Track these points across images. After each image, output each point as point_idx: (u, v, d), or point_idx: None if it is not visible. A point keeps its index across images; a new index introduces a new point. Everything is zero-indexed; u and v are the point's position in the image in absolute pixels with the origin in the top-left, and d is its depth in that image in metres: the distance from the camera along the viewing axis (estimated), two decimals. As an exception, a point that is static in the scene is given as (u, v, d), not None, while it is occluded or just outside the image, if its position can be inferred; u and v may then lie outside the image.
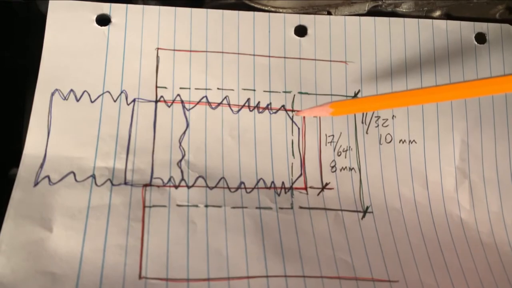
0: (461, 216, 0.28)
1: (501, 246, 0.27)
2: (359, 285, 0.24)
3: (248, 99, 0.27)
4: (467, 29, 0.30)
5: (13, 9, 0.30)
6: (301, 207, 0.26)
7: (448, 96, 0.21)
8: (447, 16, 0.31)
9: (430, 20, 0.30)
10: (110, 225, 0.23)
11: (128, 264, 0.22)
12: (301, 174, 0.27)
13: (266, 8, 0.29)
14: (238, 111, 0.27)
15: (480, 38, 0.30)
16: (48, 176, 0.24)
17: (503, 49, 0.30)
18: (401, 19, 0.30)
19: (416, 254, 0.26)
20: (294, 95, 0.28)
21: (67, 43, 0.26)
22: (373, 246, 0.26)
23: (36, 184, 0.24)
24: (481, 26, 0.30)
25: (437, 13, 0.31)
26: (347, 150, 0.28)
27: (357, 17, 0.29)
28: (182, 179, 0.25)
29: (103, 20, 0.27)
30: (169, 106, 0.26)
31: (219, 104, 0.27)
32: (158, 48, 0.27)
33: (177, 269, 0.22)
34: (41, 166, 0.24)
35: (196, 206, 0.25)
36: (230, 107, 0.27)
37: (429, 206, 0.28)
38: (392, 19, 0.30)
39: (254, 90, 0.27)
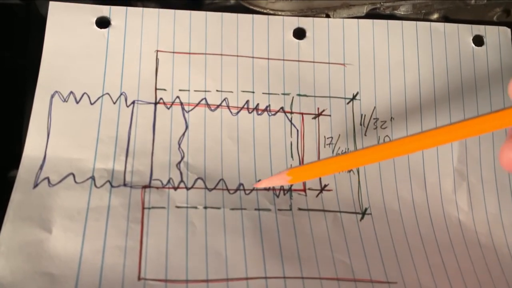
0: (459, 217, 0.28)
1: (499, 247, 0.27)
2: (357, 287, 0.24)
3: (247, 101, 0.27)
4: (465, 31, 0.30)
5: (13, 10, 0.30)
6: (300, 209, 0.26)
7: (416, 147, 0.20)
8: (445, 19, 0.31)
9: (428, 23, 0.30)
10: (109, 227, 0.23)
11: (127, 265, 0.22)
12: (299, 176, 0.27)
13: (265, 11, 0.29)
14: (237, 113, 0.27)
15: (478, 40, 0.30)
16: (47, 178, 0.24)
17: (501, 51, 0.31)
18: (399, 21, 0.30)
19: (414, 255, 0.26)
20: (293, 97, 0.28)
21: (67, 45, 0.26)
22: (371, 247, 0.26)
23: (35, 185, 0.24)
24: (479, 29, 0.31)
25: (435, 15, 0.31)
26: (345, 152, 0.28)
27: (356, 20, 0.29)
28: (181, 180, 0.25)
29: (103, 23, 0.27)
30: (168, 108, 0.27)
31: (218, 106, 0.27)
32: (157, 51, 0.27)
33: (176, 270, 0.23)
34: (41, 167, 0.24)
35: (195, 207, 0.25)
36: (229, 109, 0.27)
37: (427, 208, 0.28)
38: (390, 21, 0.30)
39: (253, 92, 0.28)
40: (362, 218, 0.27)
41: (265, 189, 0.26)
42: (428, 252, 0.26)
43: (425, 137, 0.19)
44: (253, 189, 0.26)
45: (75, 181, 0.24)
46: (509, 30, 0.31)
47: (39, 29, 0.27)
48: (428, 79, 0.29)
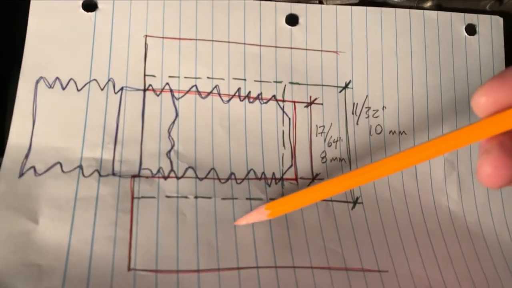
0: (449, 206, 0.28)
1: (488, 235, 0.28)
2: (349, 275, 0.24)
3: (239, 89, 0.27)
4: (458, 20, 0.30)
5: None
6: None
7: (395, 168, 0.20)
8: (438, 7, 0.31)
9: (421, 11, 0.30)
10: (98, 217, 0.23)
11: (116, 256, 0.22)
12: (291, 165, 0.27)
13: (257, -4, 0.28)
14: (229, 100, 0.27)
15: (470, 29, 0.30)
16: (33, 167, 0.23)
17: (493, 40, 0.31)
18: (393, 9, 0.29)
19: (405, 244, 0.26)
20: (285, 85, 0.27)
21: (52, 29, 0.25)
22: (363, 236, 0.26)
23: (21, 175, 0.23)
24: (471, 18, 0.30)
25: (428, 3, 0.31)
26: (337, 141, 0.28)
27: (349, 7, 0.29)
28: (172, 170, 0.25)
29: (89, 6, 0.26)
30: (157, 95, 0.26)
31: (209, 93, 0.27)
32: (146, 35, 0.26)
33: (167, 261, 0.22)
34: (26, 156, 0.23)
35: (186, 197, 0.24)
36: (220, 96, 0.27)
37: (418, 197, 0.28)
38: (384, 9, 0.29)
39: (245, 79, 0.27)
40: (353, 207, 0.26)
41: (256, 178, 0.26)
42: (419, 240, 0.26)
43: (405, 156, 0.20)
44: (245, 178, 0.26)
45: (63, 170, 0.24)
46: (501, 19, 0.31)
47: (24, 14, 0.26)
48: (420, 68, 0.29)
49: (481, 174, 0.17)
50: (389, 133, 0.28)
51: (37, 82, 0.25)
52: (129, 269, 0.22)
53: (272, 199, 0.25)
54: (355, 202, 0.27)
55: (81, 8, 0.26)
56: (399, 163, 0.20)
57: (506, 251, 0.27)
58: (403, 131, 0.28)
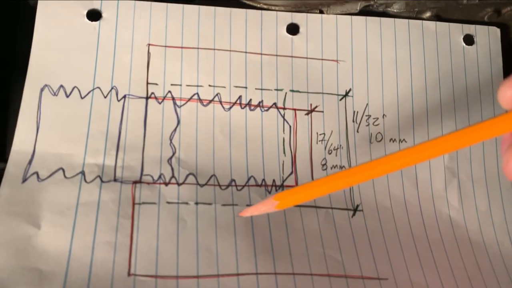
0: (450, 214, 0.28)
1: (489, 244, 0.28)
2: (348, 283, 0.24)
3: (240, 97, 0.27)
4: (456, 30, 0.31)
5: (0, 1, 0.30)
6: None
7: (411, 161, 0.19)
8: (437, 17, 0.31)
9: (420, 21, 0.30)
10: (99, 222, 0.23)
11: (117, 261, 0.22)
12: (292, 172, 0.27)
13: (258, 6, 0.29)
14: (230, 108, 0.27)
15: (469, 39, 0.31)
16: (36, 173, 0.24)
17: (490, 51, 0.31)
18: (392, 19, 0.30)
19: (405, 252, 0.26)
20: (286, 93, 0.28)
21: (57, 38, 0.26)
22: (363, 244, 0.26)
23: (24, 180, 0.23)
24: (470, 28, 0.31)
25: (427, 14, 0.31)
26: (338, 148, 0.28)
27: (349, 17, 0.29)
28: (173, 176, 0.25)
29: (94, 15, 0.27)
30: (160, 103, 0.26)
31: (210, 101, 0.27)
32: (149, 44, 0.27)
33: (167, 266, 0.22)
34: (30, 162, 0.24)
35: (186, 203, 0.24)
36: (221, 104, 0.27)
37: (418, 205, 0.28)
38: (383, 19, 0.30)
39: (246, 87, 0.27)
40: (353, 214, 0.27)
41: (256, 185, 0.26)
42: (419, 249, 0.26)
43: (418, 150, 0.19)
44: (245, 185, 0.26)
45: (65, 176, 0.24)
46: (498, 30, 0.31)
47: (28, 20, 0.26)
48: (419, 77, 0.30)
49: (509, 169, 0.16)
50: (390, 141, 0.29)
51: (42, 89, 0.25)
52: (129, 274, 0.22)
53: (272, 206, 0.25)
54: (355, 209, 0.27)
55: (85, 18, 0.26)
56: (422, 153, 0.19)
57: (508, 260, 0.27)
58: (403, 139, 0.29)
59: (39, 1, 0.26)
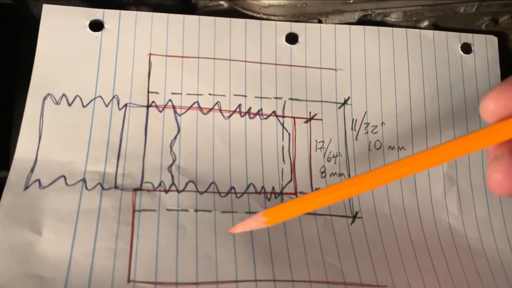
0: (449, 221, 0.28)
1: (489, 251, 0.28)
2: (348, 290, 0.24)
3: (239, 105, 0.28)
4: (453, 39, 0.31)
5: (4, 10, 0.30)
6: None
7: (394, 176, 0.19)
8: (435, 26, 0.32)
9: (417, 30, 0.31)
10: (100, 229, 0.23)
11: (117, 268, 0.22)
12: (291, 179, 0.27)
13: (258, 16, 0.29)
14: (229, 116, 0.27)
15: (466, 48, 0.31)
16: (38, 180, 0.24)
17: (488, 59, 0.31)
18: (390, 28, 0.30)
19: (404, 259, 0.26)
20: (285, 101, 0.28)
21: (60, 47, 0.26)
22: (362, 251, 0.26)
23: (26, 187, 0.24)
24: (467, 37, 0.31)
25: (425, 23, 0.31)
26: (337, 156, 0.28)
27: (347, 26, 0.30)
28: (173, 183, 0.25)
29: (96, 26, 0.27)
30: (160, 111, 0.27)
31: (210, 109, 0.27)
32: (150, 54, 0.27)
33: (166, 273, 0.22)
34: (32, 170, 0.24)
35: (186, 210, 0.25)
36: (221, 112, 0.27)
37: (418, 212, 0.28)
38: (381, 28, 0.30)
39: (246, 96, 0.28)
40: (352, 221, 0.27)
41: (256, 192, 0.26)
42: (419, 256, 0.26)
43: (411, 161, 0.18)
44: (244, 192, 0.26)
45: (66, 184, 0.24)
46: (495, 38, 0.31)
47: (31, 30, 0.27)
48: (418, 85, 0.30)
49: (492, 182, 0.16)
50: (388, 148, 0.29)
51: (45, 98, 0.26)
52: (128, 280, 0.22)
53: (271, 213, 0.26)
54: (354, 216, 0.27)
55: (88, 28, 0.27)
56: (401, 170, 0.18)
57: (507, 267, 0.27)
58: (402, 147, 0.29)
59: (43, 12, 0.27)
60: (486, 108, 0.17)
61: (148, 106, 0.27)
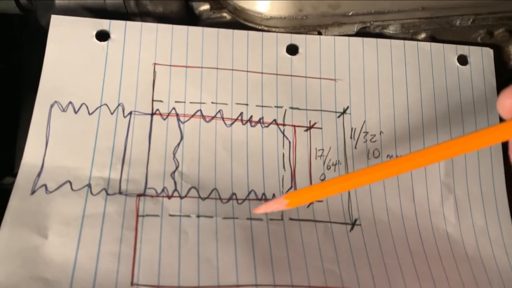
0: (447, 229, 0.28)
1: (486, 259, 0.28)
2: (346, 295, 0.24)
3: (241, 113, 0.28)
4: (450, 51, 0.32)
5: (12, 20, 0.31)
6: (291, 219, 0.27)
7: (409, 167, 0.21)
8: (432, 38, 0.32)
9: (415, 42, 0.31)
10: (104, 233, 0.24)
11: (120, 271, 0.23)
12: (291, 187, 0.27)
13: (259, 27, 0.30)
14: (231, 124, 0.28)
15: (462, 60, 0.32)
16: (45, 185, 0.24)
17: (484, 71, 0.32)
18: (388, 40, 0.31)
19: (403, 266, 0.26)
20: (286, 110, 0.29)
21: (67, 56, 0.27)
22: (360, 257, 0.26)
23: (33, 192, 0.24)
24: (463, 49, 0.32)
25: (422, 35, 0.32)
26: (336, 164, 0.28)
27: (346, 38, 0.31)
28: (175, 189, 0.26)
29: (102, 36, 0.28)
30: (164, 119, 0.27)
31: (213, 117, 0.28)
32: (155, 64, 0.28)
33: (168, 277, 0.23)
34: (39, 175, 0.25)
35: (188, 216, 0.25)
36: (223, 120, 0.28)
37: (415, 220, 0.28)
38: (380, 40, 0.31)
39: (247, 104, 0.28)
40: (352, 229, 0.27)
41: (256, 199, 0.27)
42: (417, 263, 0.27)
43: (418, 156, 0.20)
44: (246, 199, 0.27)
45: (72, 189, 0.25)
46: (491, 50, 0.32)
47: (38, 40, 0.28)
48: (415, 95, 0.30)
49: (502, 105, 0.18)
50: (387, 156, 0.29)
51: (52, 106, 0.26)
52: (132, 284, 0.22)
53: (272, 220, 0.26)
54: (353, 224, 0.27)
55: (94, 38, 0.28)
56: (410, 163, 0.20)
57: (504, 274, 0.28)
58: (400, 155, 0.29)
59: (51, 22, 0.27)
60: (503, 105, 0.18)
61: (152, 114, 0.27)
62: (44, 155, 0.25)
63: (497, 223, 0.29)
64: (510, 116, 0.18)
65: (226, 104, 0.28)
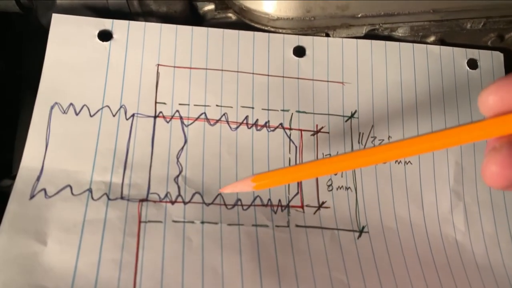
0: (456, 237, 0.28)
1: (496, 268, 0.27)
2: (355, 305, 0.24)
3: (247, 117, 0.28)
4: (460, 55, 0.31)
5: (12, 19, 0.30)
6: (297, 226, 0.26)
7: (391, 156, 0.19)
8: (441, 42, 0.32)
9: (424, 45, 0.31)
10: (105, 240, 0.23)
11: (122, 279, 0.22)
12: (297, 193, 0.27)
13: (266, 28, 0.29)
14: (237, 128, 0.27)
15: (472, 64, 0.31)
16: (44, 189, 0.24)
17: (494, 75, 0.31)
18: (397, 43, 0.30)
19: (411, 274, 0.26)
20: (292, 113, 0.28)
21: (68, 57, 0.26)
22: (368, 266, 0.25)
23: (32, 197, 0.23)
24: (473, 53, 0.31)
25: (432, 38, 0.32)
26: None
27: (354, 40, 0.30)
28: (179, 195, 0.25)
29: (105, 36, 0.27)
30: (167, 122, 0.27)
31: (217, 120, 0.27)
32: (158, 64, 0.27)
33: (172, 286, 0.22)
34: (38, 179, 0.24)
35: (192, 222, 0.24)
36: (228, 124, 0.27)
37: (424, 227, 0.28)
38: (388, 42, 0.30)
39: (253, 107, 0.28)
40: (359, 236, 0.26)
41: (262, 205, 0.26)
42: (425, 272, 0.26)
43: (401, 146, 0.18)
44: (251, 205, 0.26)
45: (72, 193, 0.24)
46: (501, 54, 0.32)
47: (39, 39, 0.27)
48: (424, 99, 0.30)
49: (486, 173, 0.16)
50: (395, 162, 0.29)
51: (52, 107, 0.26)
52: (134, 293, 0.22)
53: (278, 226, 0.25)
54: (361, 231, 0.27)
55: (97, 38, 0.27)
56: (390, 152, 0.18)
57: (515, 284, 0.27)
58: (409, 161, 0.29)
59: (52, 21, 0.27)
60: (484, 102, 0.17)
61: (155, 117, 0.27)
62: (44, 158, 0.24)
63: (507, 230, 0.29)
64: (490, 114, 0.17)
65: (231, 107, 0.27)
